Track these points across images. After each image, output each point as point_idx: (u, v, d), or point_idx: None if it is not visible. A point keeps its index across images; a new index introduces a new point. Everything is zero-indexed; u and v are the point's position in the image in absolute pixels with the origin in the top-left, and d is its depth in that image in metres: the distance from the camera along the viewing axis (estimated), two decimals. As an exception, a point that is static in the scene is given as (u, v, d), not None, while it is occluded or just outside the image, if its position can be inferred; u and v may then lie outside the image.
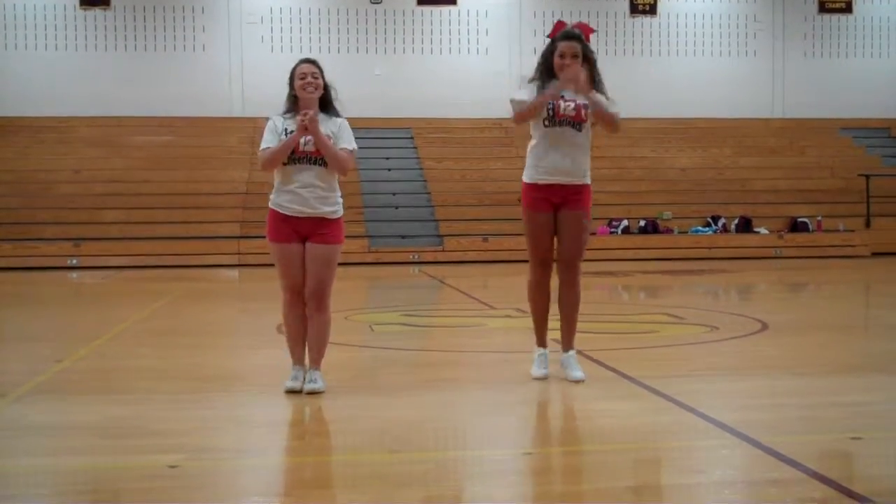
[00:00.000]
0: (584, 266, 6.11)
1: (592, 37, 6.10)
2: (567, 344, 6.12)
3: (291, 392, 5.63)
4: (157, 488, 3.87)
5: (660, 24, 25.07)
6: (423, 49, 24.40)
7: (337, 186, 5.77)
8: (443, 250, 19.54)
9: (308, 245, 5.70)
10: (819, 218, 21.04)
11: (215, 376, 6.52)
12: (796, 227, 21.02)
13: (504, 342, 8.04)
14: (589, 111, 5.88)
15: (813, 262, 19.07)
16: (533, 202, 5.95)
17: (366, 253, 19.33)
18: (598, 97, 5.89)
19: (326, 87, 5.79)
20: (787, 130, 25.01)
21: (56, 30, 23.45)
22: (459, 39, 24.44)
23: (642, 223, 20.73)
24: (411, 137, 23.65)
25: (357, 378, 6.36)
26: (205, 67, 23.50)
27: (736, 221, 20.90)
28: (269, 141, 5.67)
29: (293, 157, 5.61)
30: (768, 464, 4.10)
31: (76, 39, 23.51)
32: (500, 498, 3.82)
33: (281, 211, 5.69)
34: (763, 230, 20.84)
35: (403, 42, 24.35)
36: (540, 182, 5.91)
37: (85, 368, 6.88)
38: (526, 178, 5.98)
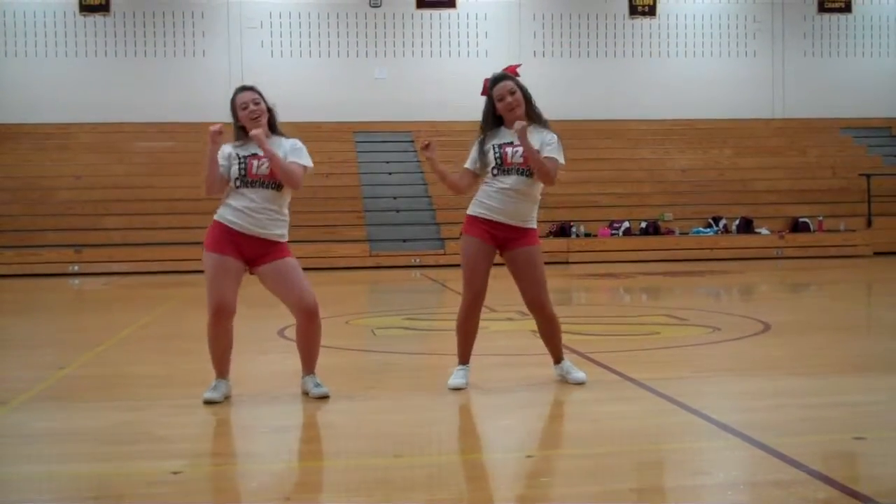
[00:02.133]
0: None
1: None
2: (557, 357, 6.10)
3: (210, 403, 5.49)
4: (161, 494, 3.87)
5: (659, 25, 25.07)
6: (422, 52, 24.41)
7: (287, 209, 5.67)
8: (444, 254, 19.55)
9: (262, 268, 5.59)
10: (820, 218, 21.04)
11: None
12: (797, 227, 21.03)
13: (506, 345, 8.03)
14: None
15: (814, 262, 19.07)
16: (470, 228, 5.85)
17: (367, 257, 19.34)
18: (532, 147, 5.70)
19: (270, 110, 5.68)
20: (788, 131, 25.01)
21: (56, 36, 23.47)
22: (459, 42, 24.45)
23: (643, 224, 20.74)
24: (411, 141, 23.66)
25: (359, 382, 6.35)
26: (205, 73, 23.53)
27: (737, 222, 20.90)
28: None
29: (246, 179, 5.52)
30: (772, 465, 4.10)
31: (76, 46, 23.53)
32: (502, 501, 3.82)
33: (227, 224, 5.56)
34: (764, 231, 20.84)
35: (403, 45, 24.37)
36: (481, 216, 5.82)
37: (87, 375, 6.88)
38: (469, 211, 5.90)
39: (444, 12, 24.45)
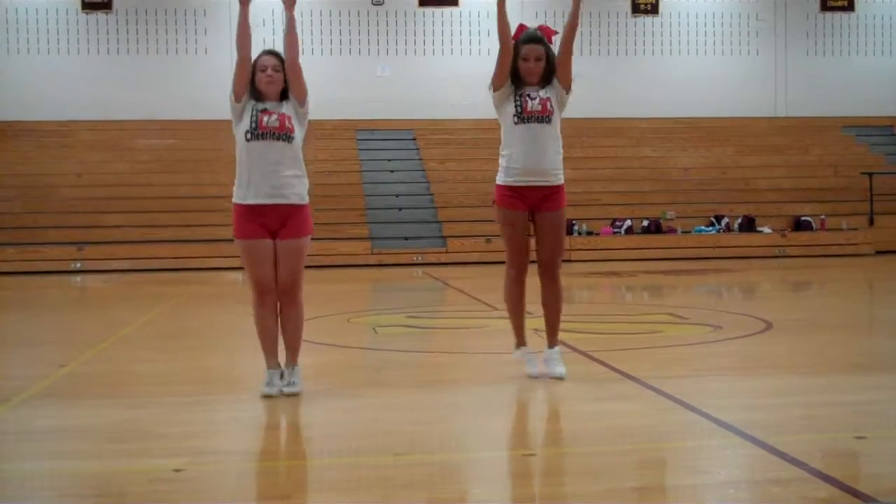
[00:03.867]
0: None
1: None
2: (552, 341, 6.19)
3: (269, 397, 5.55)
4: (162, 492, 3.87)
5: (661, 23, 25.05)
6: (425, 50, 24.40)
7: (303, 166, 5.73)
8: (446, 252, 19.54)
9: (277, 242, 5.67)
10: (822, 216, 21.01)
11: (220, 379, 6.52)
12: (799, 225, 21.00)
13: (508, 343, 7.99)
14: (557, 102, 6.00)
15: (816, 260, 19.05)
16: (506, 200, 6.03)
17: (368, 255, 19.34)
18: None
19: (286, 80, 5.74)
20: (790, 129, 24.98)
21: (58, 34, 23.46)
22: (461, 41, 24.43)
23: (645, 223, 20.72)
24: (413, 139, 23.66)
25: (361, 380, 6.36)
26: (207, 70, 23.50)
27: (739, 221, 20.88)
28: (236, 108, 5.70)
29: (257, 132, 5.60)
30: (772, 463, 4.10)
31: (78, 43, 23.52)
32: (503, 500, 3.82)
33: (245, 202, 5.65)
34: (766, 229, 20.82)
35: (405, 43, 24.36)
36: (513, 184, 6.00)
37: (89, 372, 6.88)
38: (499, 181, 6.07)
39: (447, 10, 24.43)
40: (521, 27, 6.12)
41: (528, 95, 5.95)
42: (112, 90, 23.21)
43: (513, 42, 6.07)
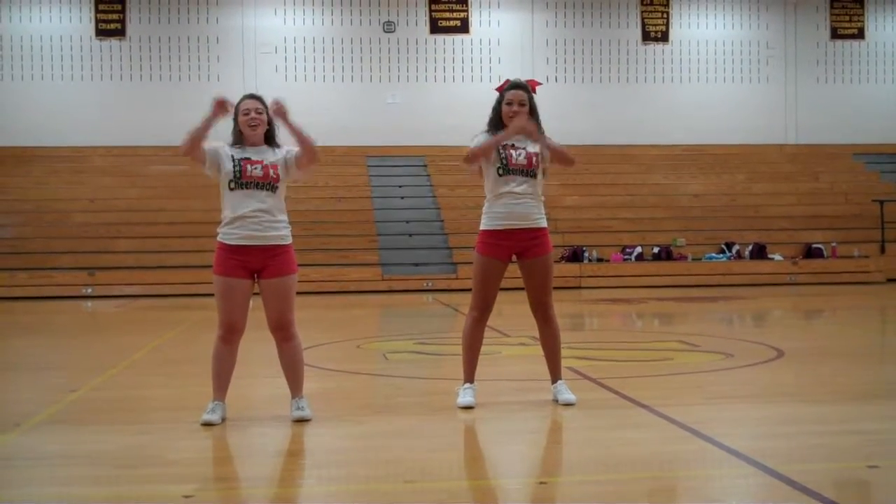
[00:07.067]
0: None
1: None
2: (556, 375, 6.25)
3: (208, 425, 5.55)
4: (172, 518, 3.87)
5: (672, 51, 25.13)
6: (436, 77, 24.50)
7: (285, 213, 5.78)
8: (456, 278, 19.52)
9: (262, 282, 5.70)
10: (833, 244, 20.97)
11: (230, 405, 6.50)
12: (811, 253, 20.95)
13: (519, 370, 8.02)
14: (540, 158, 6.08)
15: (827, 288, 18.99)
16: (486, 247, 6.08)
17: (379, 281, 19.34)
18: (550, 139, 6.10)
19: (270, 122, 5.83)
20: (801, 156, 24.98)
21: (72, 60, 23.65)
22: (472, 68, 24.54)
23: (656, 250, 20.70)
24: (424, 165, 23.72)
25: (371, 406, 6.35)
26: (219, 97, 23.62)
27: (750, 248, 20.84)
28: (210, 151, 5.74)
29: (241, 181, 5.64)
30: (784, 492, 4.07)
31: (92, 70, 23.69)
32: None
33: (229, 242, 5.68)
34: (777, 257, 20.78)
35: (416, 70, 24.47)
36: (496, 228, 6.06)
37: (99, 398, 6.89)
38: (483, 226, 6.14)
39: (458, 38, 24.56)
40: (506, 82, 6.23)
41: (513, 146, 6.02)
42: (125, 116, 23.36)
43: (497, 92, 6.22)
